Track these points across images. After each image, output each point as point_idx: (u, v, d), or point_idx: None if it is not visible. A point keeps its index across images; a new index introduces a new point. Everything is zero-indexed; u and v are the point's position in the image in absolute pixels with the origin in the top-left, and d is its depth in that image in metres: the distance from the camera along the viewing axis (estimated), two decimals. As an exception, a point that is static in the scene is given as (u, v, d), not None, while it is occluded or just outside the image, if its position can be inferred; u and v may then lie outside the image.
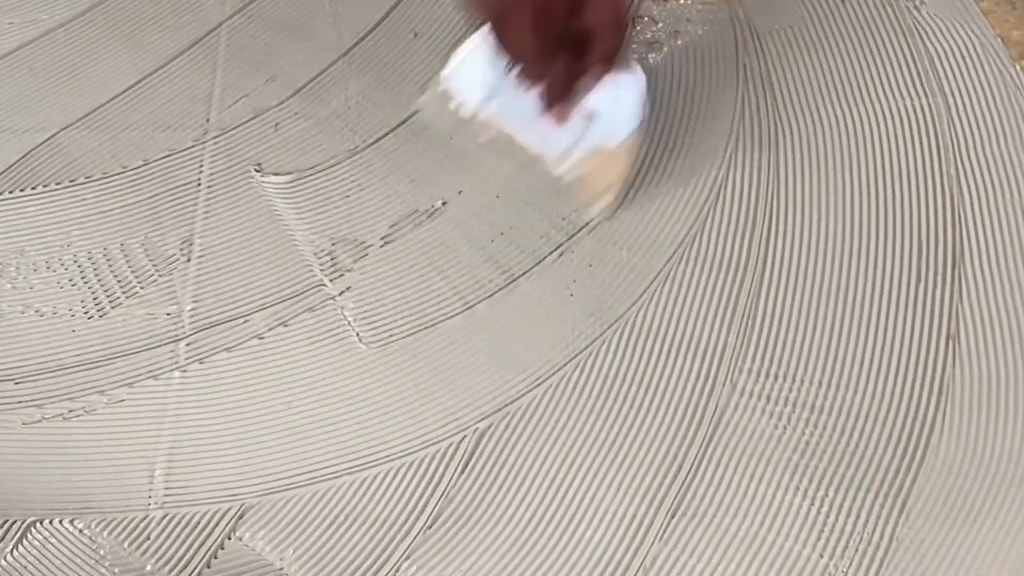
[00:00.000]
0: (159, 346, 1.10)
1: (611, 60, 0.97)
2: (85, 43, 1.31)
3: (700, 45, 1.23)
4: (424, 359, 1.07)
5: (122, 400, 1.08)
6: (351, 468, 1.03)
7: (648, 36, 1.23)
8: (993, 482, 0.98)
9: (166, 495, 1.03)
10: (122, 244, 1.16)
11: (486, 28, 0.96)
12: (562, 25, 0.92)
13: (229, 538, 1.01)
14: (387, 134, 1.21)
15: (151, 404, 1.07)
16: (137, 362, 1.10)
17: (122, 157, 1.22)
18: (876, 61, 1.20)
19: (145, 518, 1.02)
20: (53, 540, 1.01)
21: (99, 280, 1.14)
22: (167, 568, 1.00)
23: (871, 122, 1.16)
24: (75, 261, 1.15)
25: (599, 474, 1.01)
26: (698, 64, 1.22)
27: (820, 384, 1.03)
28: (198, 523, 1.02)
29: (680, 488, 1.00)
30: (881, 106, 1.17)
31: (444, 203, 1.16)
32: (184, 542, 1.01)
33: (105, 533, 1.01)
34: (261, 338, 1.10)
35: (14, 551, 1.01)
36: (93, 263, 1.15)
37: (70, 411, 1.07)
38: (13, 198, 1.19)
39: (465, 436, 1.04)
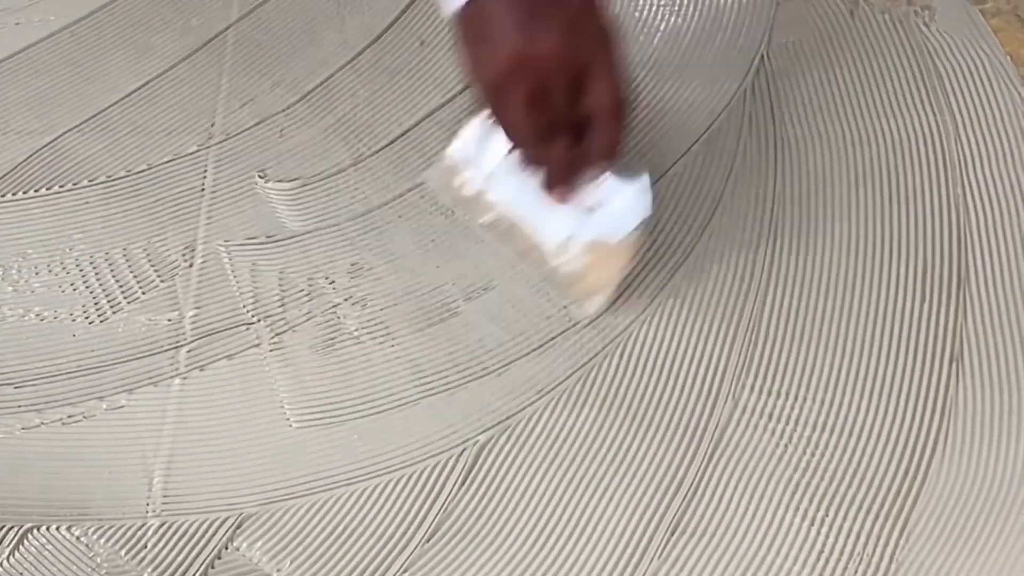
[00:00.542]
0: (160, 352, 1.10)
1: (613, 149, 0.95)
2: (91, 45, 1.31)
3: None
4: (425, 367, 1.07)
5: (122, 406, 1.07)
6: (350, 479, 1.03)
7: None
8: (995, 505, 0.97)
9: (164, 503, 1.02)
10: (124, 249, 1.16)
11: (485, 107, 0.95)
12: (561, 109, 0.90)
13: (226, 548, 1.00)
14: (393, 142, 1.21)
15: (151, 411, 1.07)
16: (137, 368, 1.09)
17: (126, 161, 1.21)
18: (884, 78, 1.19)
19: (142, 526, 1.02)
20: (49, 547, 1.01)
21: (101, 285, 1.14)
22: (164, 577, 1.00)
23: (877, 139, 1.16)
24: (77, 265, 1.15)
25: (599, 489, 1.00)
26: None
27: (822, 403, 1.02)
28: (196, 532, 1.01)
29: (680, 505, 0.99)
30: (888, 123, 1.16)
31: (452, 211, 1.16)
32: (181, 551, 1.00)
33: (102, 541, 1.01)
34: (262, 346, 1.09)
35: (10, 558, 1.00)
36: (95, 267, 1.15)
37: (69, 416, 1.07)
38: (16, 200, 1.19)
39: (465, 449, 1.03)
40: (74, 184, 1.20)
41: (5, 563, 1.00)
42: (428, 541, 1.00)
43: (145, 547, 1.01)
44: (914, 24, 1.22)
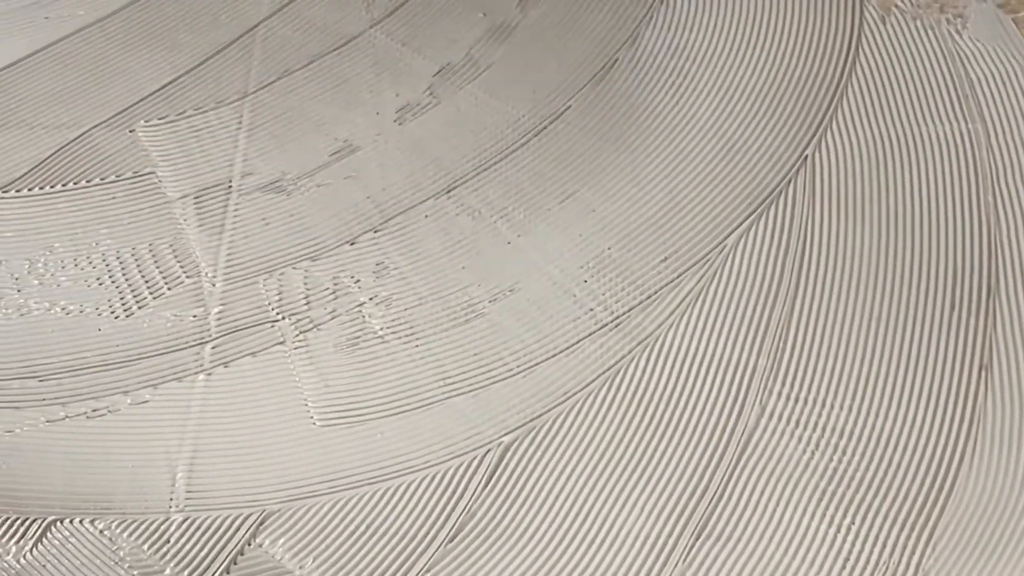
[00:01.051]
0: (184, 348, 1.10)
1: None
2: (120, 41, 1.31)
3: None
4: (449, 368, 1.07)
5: (146, 401, 1.07)
6: (373, 478, 1.02)
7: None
8: (1023, 515, 0.97)
9: (187, 498, 1.02)
10: (151, 244, 1.16)
11: None
12: None
13: (249, 544, 1.00)
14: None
15: (175, 406, 1.07)
16: (162, 364, 1.09)
17: (154, 156, 1.21)
18: (916, 85, 1.19)
19: (166, 521, 1.01)
20: (72, 540, 1.01)
21: (127, 280, 1.13)
22: (186, 572, 0.99)
23: (908, 146, 1.15)
24: (103, 260, 1.15)
25: (624, 493, 1.00)
26: (735, 82, 1.21)
27: (850, 410, 1.02)
28: (218, 528, 1.01)
29: (706, 510, 0.99)
30: (919, 130, 1.16)
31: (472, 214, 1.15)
32: (204, 546, 1.00)
33: (125, 535, 1.01)
34: (287, 344, 1.09)
35: (33, 549, 1.00)
36: (121, 262, 1.14)
37: (94, 410, 1.07)
38: (44, 194, 1.19)
39: (490, 450, 1.03)
40: (101, 179, 1.20)
41: (28, 555, 1.00)
42: (451, 541, 0.99)
43: (168, 542, 1.01)
44: (946, 32, 1.22)
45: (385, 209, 1.16)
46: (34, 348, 1.10)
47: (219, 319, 1.11)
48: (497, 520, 0.99)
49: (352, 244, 1.14)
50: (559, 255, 1.11)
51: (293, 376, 1.07)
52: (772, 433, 1.01)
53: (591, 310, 1.08)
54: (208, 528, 1.01)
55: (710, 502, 0.99)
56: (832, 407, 1.02)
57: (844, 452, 1.00)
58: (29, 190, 1.19)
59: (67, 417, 1.06)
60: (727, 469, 1.00)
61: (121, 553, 1.00)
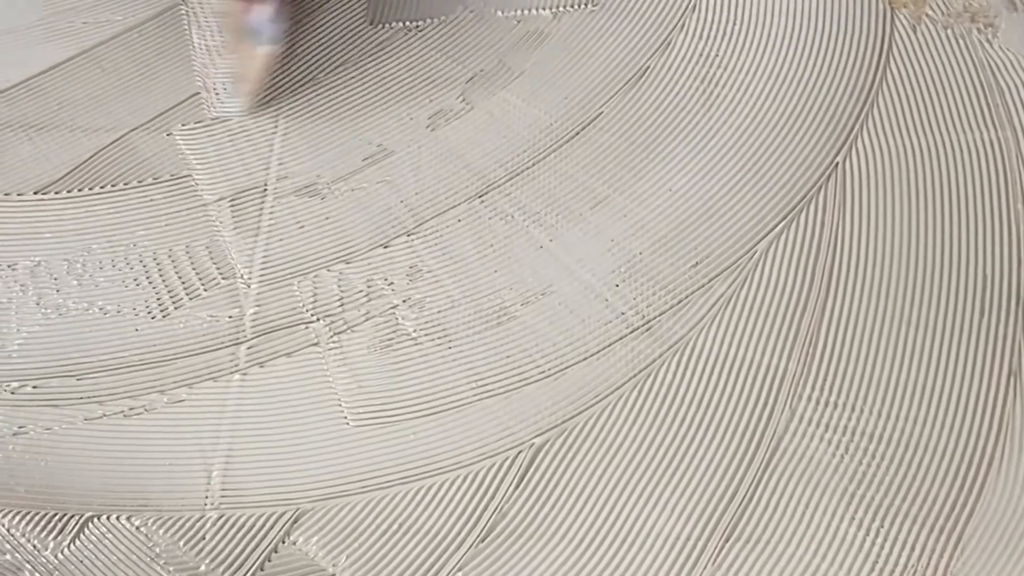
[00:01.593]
0: (220, 348, 1.11)
1: None
2: (158, 46, 1.32)
3: (769, 70, 1.23)
4: (481, 370, 1.08)
5: (182, 400, 1.08)
6: (405, 478, 1.03)
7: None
8: (1052, 521, 0.97)
9: (223, 496, 1.04)
10: (187, 246, 1.17)
11: None
12: None
13: (283, 542, 1.01)
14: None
15: (210, 405, 1.08)
16: (198, 363, 1.10)
17: (190, 160, 1.23)
18: (946, 93, 1.19)
19: (201, 518, 1.03)
20: (110, 536, 1.02)
21: (163, 281, 1.15)
22: (221, 568, 1.00)
23: (938, 153, 1.15)
24: (140, 261, 1.16)
25: (654, 495, 1.01)
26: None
27: (879, 414, 1.02)
28: (253, 525, 1.02)
29: (735, 513, 0.99)
30: (949, 138, 1.16)
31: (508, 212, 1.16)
32: (239, 544, 1.01)
33: (161, 531, 1.02)
34: (321, 345, 1.10)
35: (71, 545, 1.02)
36: (158, 263, 1.16)
37: (131, 409, 1.08)
38: (82, 196, 1.20)
39: (521, 451, 1.04)
40: (139, 182, 1.21)
41: (66, 550, 1.01)
42: (483, 541, 1.00)
43: (203, 539, 1.02)
44: (976, 40, 1.22)
45: (418, 213, 1.17)
46: (72, 347, 1.12)
47: (254, 320, 1.12)
48: (528, 520, 1.00)
49: (386, 247, 1.15)
50: (591, 259, 1.12)
51: (327, 377, 1.08)
52: (802, 437, 1.02)
53: (622, 314, 1.09)
54: (243, 526, 1.02)
55: (740, 505, 0.99)
56: (862, 411, 1.02)
57: (873, 456, 1.00)
58: (68, 192, 1.21)
59: (105, 415, 1.08)
60: (757, 472, 1.01)
61: (157, 550, 1.01)
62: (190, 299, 1.14)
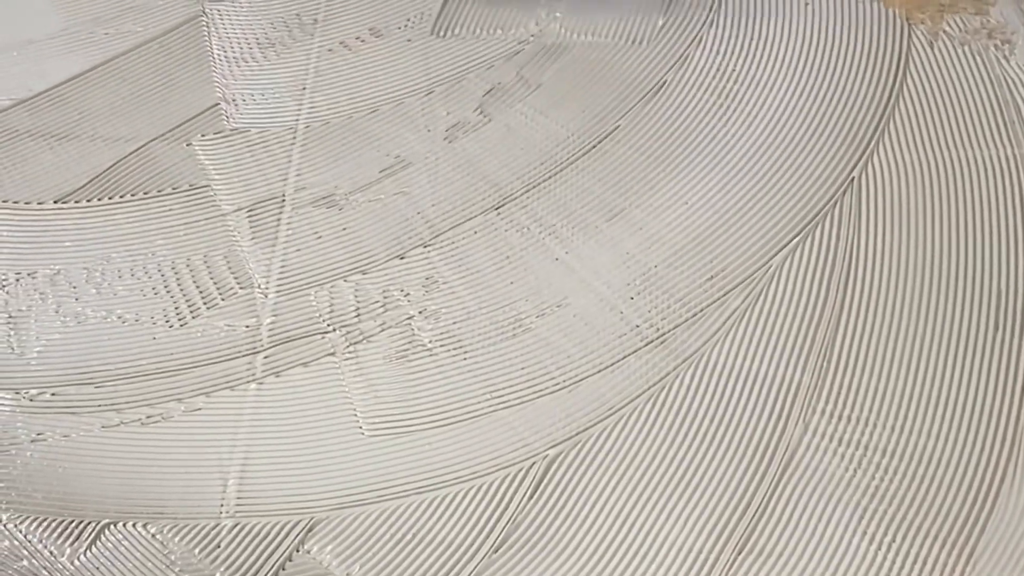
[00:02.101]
0: (237, 357, 1.12)
1: None
2: (178, 57, 1.33)
3: (785, 85, 1.24)
4: (496, 381, 1.08)
5: (199, 409, 1.09)
6: (420, 488, 1.04)
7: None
8: (1065, 537, 0.97)
9: (238, 504, 1.04)
10: (205, 256, 1.18)
11: None
12: None
13: (297, 550, 1.02)
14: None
15: (227, 414, 1.09)
16: (215, 372, 1.11)
17: (209, 170, 1.24)
18: (962, 109, 1.19)
19: (216, 526, 1.03)
20: (125, 543, 1.03)
21: (181, 290, 1.16)
22: (236, 576, 1.01)
23: (954, 169, 1.16)
24: (159, 270, 1.17)
25: (667, 507, 1.01)
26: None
27: (892, 429, 1.02)
28: (268, 534, 1.03)
29: (748, 526, 0.99)
30: (965, 154, 1.16)
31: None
32: (254, 552, 1.02)
33: (176, 539, 1.03)
34: (337, 355, 1.11)
35: (87, 552, 1.02)
36: (176, 273, 1.17)
37: (148, 417, 1.09)
38: (102, 205, 1.21)
39: (535, 462, 1.04)
40: (158, 191, 1.22)
41: (83, 557, 1.02)
42: (496, 551, 1.01)
43: (218, 547, 1.03)
44: (993, 57, 1.23)
45: (435, 224, 1.18)
46: (91, 355, 1.12)
47: (271, 330, 1.13)
48: (542, 531, 1.01)
49: (402, 258, 1.16)
50: (606, 272, 1.13)
51: (343, 386, 1.09)
52: (815, 450, 1.02)
53: (637, 327, 1.10)
54: (258, 534, 1.03)
55: (752, 517, 1.00)
56: (875, 425, 1.02)
57: (886, 470, 1.00)
58: (88, 201, 1.22)
59: (122, 423, 1.08)
60: (770, 485, 1.01)
61: (172, 557, 1.02)
62: (208, 308, 1.14)
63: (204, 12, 1.36)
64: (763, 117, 1.21)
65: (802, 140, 1.19)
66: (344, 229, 1.19)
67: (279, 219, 1.20)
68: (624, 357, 1.09)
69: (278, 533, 1.03)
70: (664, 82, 1.25)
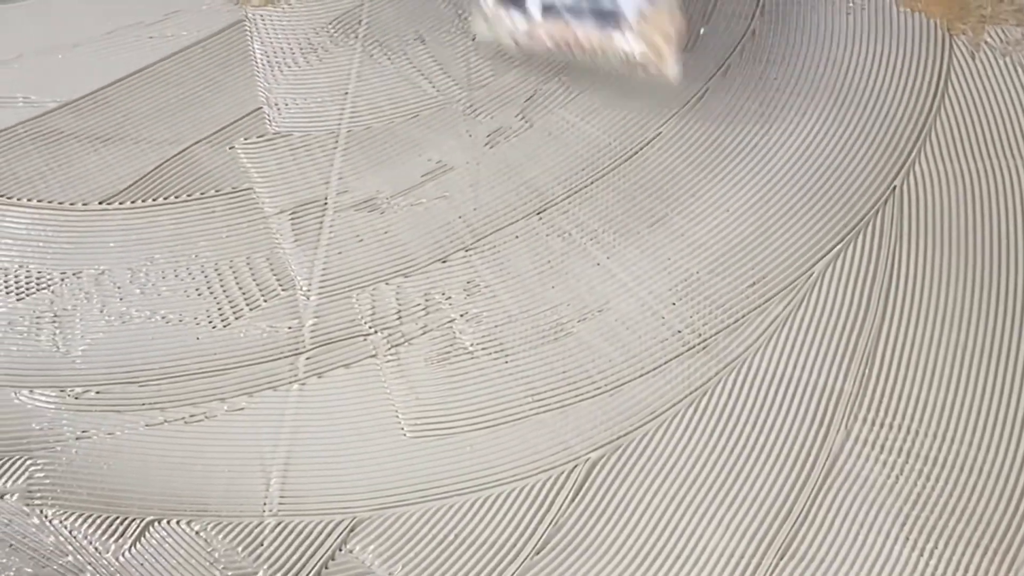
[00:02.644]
0: (279, 359, 1.13)
1: None
2: (221, 61, 1.35)
3: (827, 94, 1.24)
4: (538, 384, 1.09)
5: (242, 408, 1.10)
6: (462, 489, 1.04)
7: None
8: (1108, 546, 0.97)
9: (281, 503, 1.05)
10: (247, 258, 1.19)
11: None
12: None
13: (340, 549, 1.02)
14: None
15: (270, 414, 1.09)
16: (258, 373, 1.12)
17: (252, 173, 1.25)
18: (1003, 120, 1.19)
19: (259, 524, 1.04)
20: (169, 540, 1.04)
21: (224, 291, 1.17)
22: (279, 574, 1.02)
23: (996, 179, 1.16)
24: (202, 271, 1.18)
25: (709, 512, 1.01)
26: (824, 113, 1.23)
27: (935, 436, 1.03)
28: (311, 532, 1.03)
29: (790, 531, 1.00)
30: (1006, 163, 1.17)
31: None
32: (296, 550, 1.03)
33: (220, 536, 1.03)
34: (379, 357, 1.11)
35: (132, 548, 1.03)
36: (219, 274, 1.18)
37: (191, 416, 1.10)
38: (146, 207, 1.22)
39: (577, 465, 1.05)
40: (201, 194, 1.23)
41: (127, 553, 1.03)
42: (538, 553, 1.01)
43: (262, 545, 1.03)
44: (1033, 68, 1.23)
45: (476, 229, 1.18)
46: (135, 354, 1.13)
47: (313, 331, 1.13)
48: (583, 534, 1.01)
49: (444, 262, 1.17)
50: (648, 277, 1.13)
51: (384, 388, 1.10)
52: (857, 457, 1.02)
53: (679, 332, 1.10)
54: (300, 532, 1.03)
55: (794, 523, 1.00)
56: (917, 433, 1.02)
57: (928, 478, 1.00)
58: (132, 203, 1.23)
59: (166, 422, 1.09)
60: (812, 491, 1.01)
61: (216, 554, 1.03)
62: (250, 310, 1.15)
63: (247, 17, 1.37)
64: (804, 125, 1.22)
65: (844, 148, 1.20)
66: (386, 233, 1.19)
67: (321, 222, 1.21)
68: (666, 362, 1.09)
69: (321, 532, 1.04)
70: (706, 90, 1.26)
